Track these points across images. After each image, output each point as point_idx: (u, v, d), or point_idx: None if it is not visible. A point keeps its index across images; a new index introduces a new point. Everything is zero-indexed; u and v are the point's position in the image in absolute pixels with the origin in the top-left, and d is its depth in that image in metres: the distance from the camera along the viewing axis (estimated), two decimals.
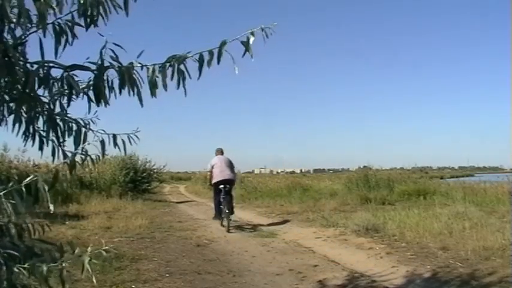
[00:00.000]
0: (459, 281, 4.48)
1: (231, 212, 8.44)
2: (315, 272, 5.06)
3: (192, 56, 1.66)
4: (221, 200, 8.38)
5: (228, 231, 7.98)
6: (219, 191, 8.46)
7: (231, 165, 8.76)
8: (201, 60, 1.65)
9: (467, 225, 7.11)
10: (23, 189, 1.47)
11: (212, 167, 8.65)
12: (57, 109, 1.68)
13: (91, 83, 1.63)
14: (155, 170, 19.41)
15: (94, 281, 1.73)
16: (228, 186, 8.48)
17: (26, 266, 1.45)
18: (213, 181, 8.63)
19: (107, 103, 1.65)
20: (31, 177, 1.50)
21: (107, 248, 1.67)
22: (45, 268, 1.46)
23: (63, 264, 1.53)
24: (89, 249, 1.60)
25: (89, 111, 1.69)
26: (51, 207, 1.50)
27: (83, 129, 1.74)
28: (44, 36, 1.52)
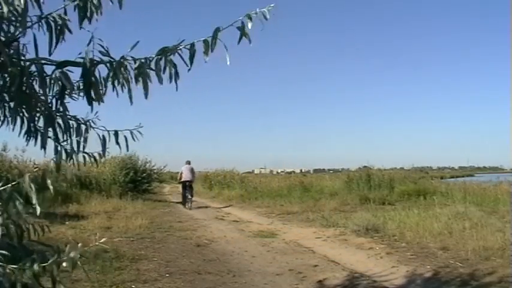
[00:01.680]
0: (459, 281, 4.49)
1: (191, 196, 13.77)
2: (315, 272, 5.06)
3: (185, 46, 1.59)
4: (186, 190, 13.82)
5: (190, 209, 13.01)
6: (184, 186, 13.99)
7: (192, 171, 14.23)
8: (192, 50, 1.58)
9: (467, 225, 7.11)
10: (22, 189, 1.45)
11: (181, 172, 14.22)
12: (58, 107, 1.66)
13: (81, 80, 1.58)
14: (155, 171, 19.40)
15: (96, 283, 1.70)
16: (189, 182, 13.89)
17: (17, 266, 1.42)
18: (182, 180, 14.12)
19: (101, 101, 1.60)
20: (27, 177, 1.47)
21: (99, 244, 1.62)
22: (36, 267, 1.43)
23: (61, 264, 1.50)
24: (79, 245, 1.52)
25: (92, 110, 1.65)
26: (38, 210, 1.44)
27: (83, 126, 1.71)
28: (24, 35, 1.47)
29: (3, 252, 1.44)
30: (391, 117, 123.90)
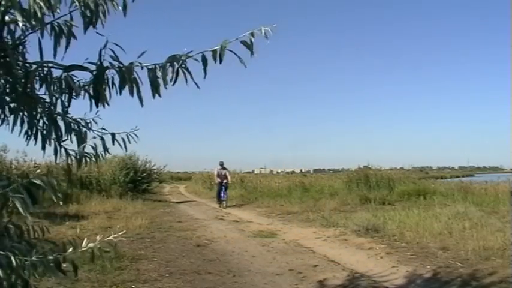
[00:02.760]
0: (459, 281, 4.49)
1: (226, 199, 14.46)
2: (315, 272, 5.06)
3: (192, 56, 1.64)
4: (222, 191, 14.39)
5: (225, 208, 13.59)
6: (220, 187, 14.44)
7: (228, 173, 14.89)
8: (204, 61, 1.64)
9: (467, 225, 7.11)
10: (36, 184, 1.46)
11: (217, 173, 14.58)
12: (59, 108, 1.68)
13: (91, 83, 1.63)
14: (155, 170, 19.40)
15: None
16: (225, 184, 14.53)
17: (34, 259, 1.44)
18: (217, 181, 14.61)
19: (106, 103, 1.65)
20: (37, 174, 1.49)
21: (111, 237, 1.68)
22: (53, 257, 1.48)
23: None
24: (98, 237, 1.63)
25: (90, 110, 1.69)
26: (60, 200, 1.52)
27: (83, 129, 1.73)
28: (42, 37, 1.51)
29: (18, 245, 1.46)
30: (391, 117, 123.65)
